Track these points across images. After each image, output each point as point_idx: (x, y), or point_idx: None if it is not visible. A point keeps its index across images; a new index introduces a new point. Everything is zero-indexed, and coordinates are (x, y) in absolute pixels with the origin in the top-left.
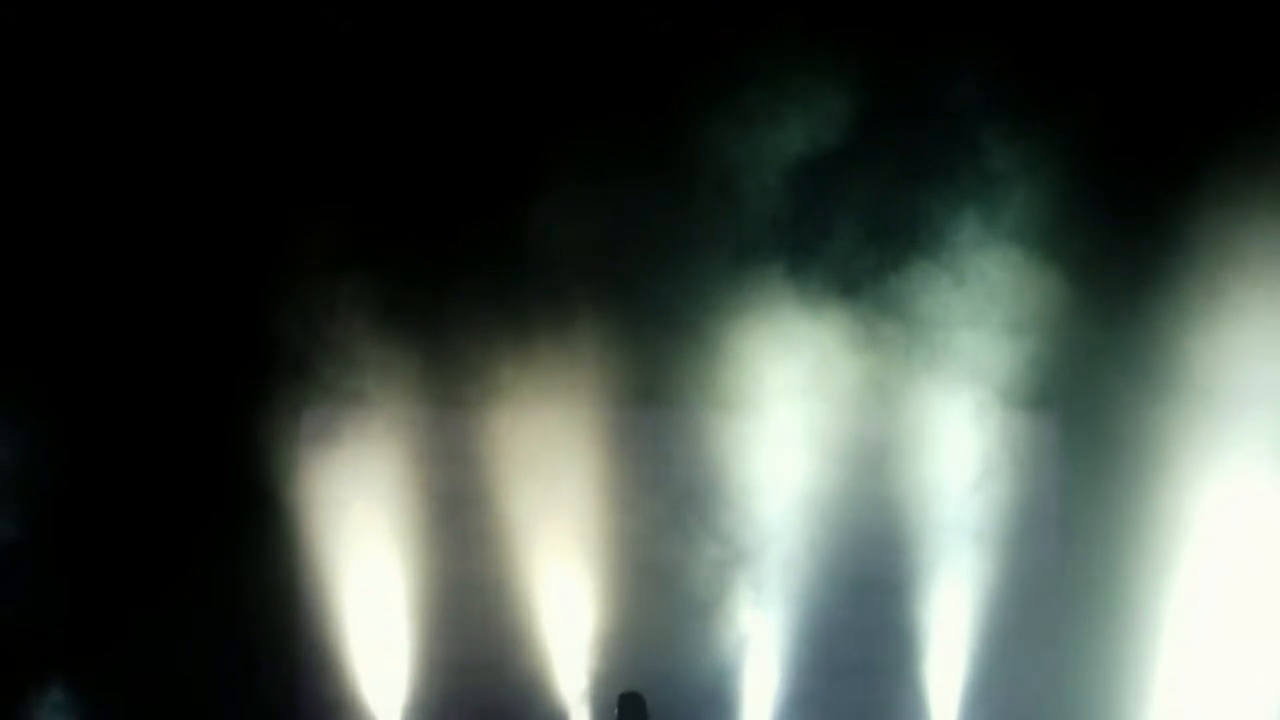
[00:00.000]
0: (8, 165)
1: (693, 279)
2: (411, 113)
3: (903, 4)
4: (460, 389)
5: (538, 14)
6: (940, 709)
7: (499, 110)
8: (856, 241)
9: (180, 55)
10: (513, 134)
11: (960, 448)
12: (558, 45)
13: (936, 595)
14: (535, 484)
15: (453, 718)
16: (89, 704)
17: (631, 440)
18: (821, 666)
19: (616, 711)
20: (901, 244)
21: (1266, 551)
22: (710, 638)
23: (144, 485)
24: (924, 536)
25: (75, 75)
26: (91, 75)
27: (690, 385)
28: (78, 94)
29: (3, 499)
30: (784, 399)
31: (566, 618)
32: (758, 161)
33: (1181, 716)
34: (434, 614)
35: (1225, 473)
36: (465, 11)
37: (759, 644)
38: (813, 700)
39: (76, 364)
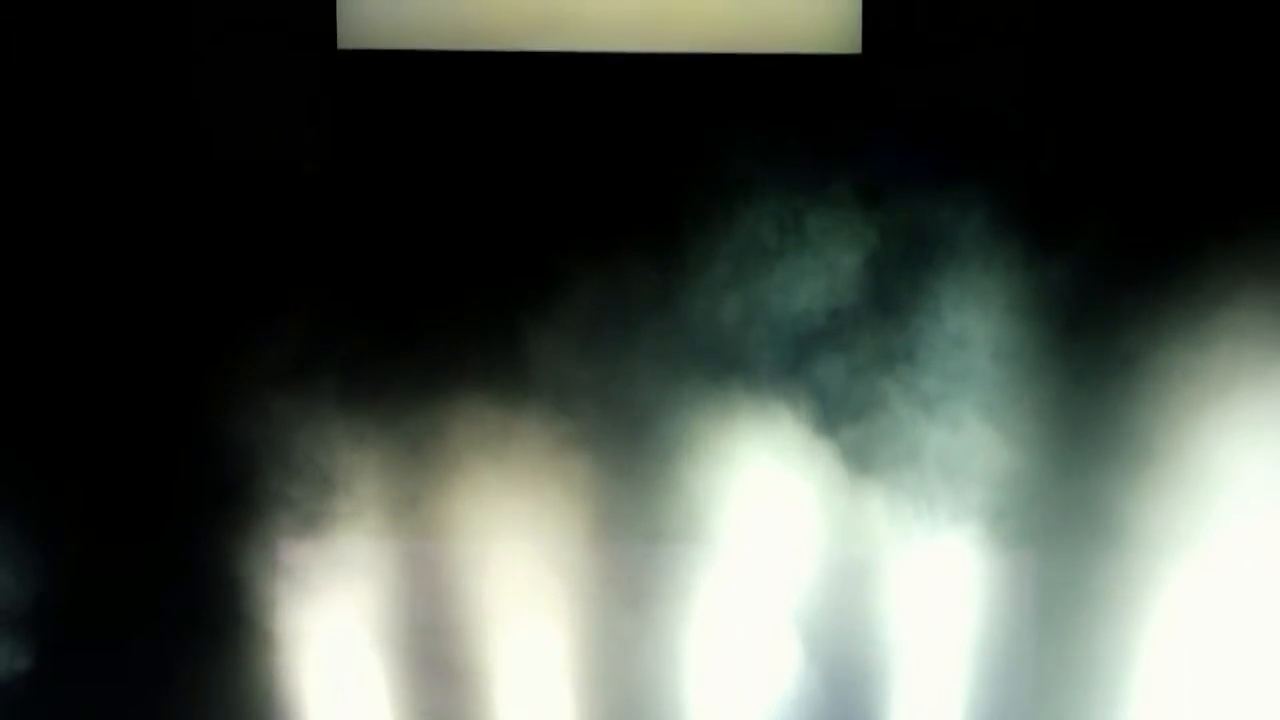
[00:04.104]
0: None
1: (674, 416)
2: (394, 245)
3: (887, 173)
4: (439, 522)
5: (536, 156)
6: None
7: (490, 244)
8: (840, 385)
9: (149, 157)
10: (501, 270)
11: (937, 587)
12: (557, 182)
13: None
14: (514, 618)
15: None
16: None
17: (612, 575)
18: None
19: None
20: (884, 387)
21: (1242, 696)
22: None
23: (115, 617)
24: (901, 673)
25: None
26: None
27: (670, 521)
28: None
29: None
30: (764, 536)
31: None
32: (748, 309)
33: None
34: None
35: (1202, 621)
36: (457, 147)
37: None
38: None
39: (51, 500)
